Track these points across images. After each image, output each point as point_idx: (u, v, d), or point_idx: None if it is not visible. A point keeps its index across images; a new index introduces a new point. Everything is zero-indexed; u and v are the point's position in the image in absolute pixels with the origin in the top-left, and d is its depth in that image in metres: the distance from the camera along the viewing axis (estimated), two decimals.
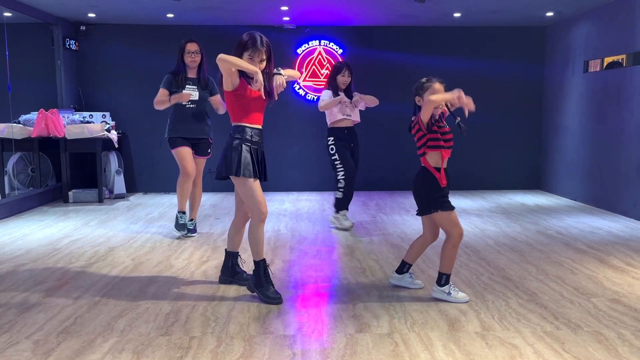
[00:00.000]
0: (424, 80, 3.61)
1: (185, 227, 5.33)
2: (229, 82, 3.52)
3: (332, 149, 5.57)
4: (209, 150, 5.40)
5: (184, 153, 5.18)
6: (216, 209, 6.91)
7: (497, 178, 8.55)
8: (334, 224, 5.80)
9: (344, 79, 5.57)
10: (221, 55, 3.43)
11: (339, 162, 5.53)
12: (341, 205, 5.68)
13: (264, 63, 3.55)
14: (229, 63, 3.43)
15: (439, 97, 3.44)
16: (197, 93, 5.15)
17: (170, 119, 5.23)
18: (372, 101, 5.69)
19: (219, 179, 3.68)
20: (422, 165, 3.60)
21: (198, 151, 5.30)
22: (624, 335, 3.02)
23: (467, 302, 3.53)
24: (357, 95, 5.62)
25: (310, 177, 8.49)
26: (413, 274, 3.88)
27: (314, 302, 3.58)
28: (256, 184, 3.56)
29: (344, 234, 5.55)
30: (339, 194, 5.61)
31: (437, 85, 3.55)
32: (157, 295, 3.70)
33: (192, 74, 5.19)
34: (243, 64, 3.44)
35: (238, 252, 3.95)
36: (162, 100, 5.08)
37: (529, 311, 3.39)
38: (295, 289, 3.83)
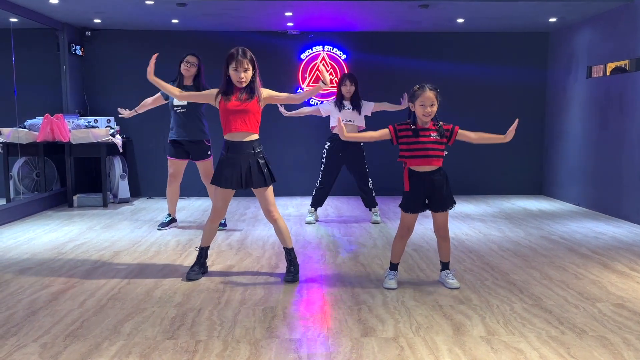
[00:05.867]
0: (416, 87, 3.71)
1: (163, 225, 5.99)
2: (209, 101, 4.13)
3: (324, 152, 6.27)
4: (209, 153, 5.72)
5: (172, 162, 5.79)
6: None
7: (500, 183, 8.56)
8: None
9: (346, 88, 6.13)
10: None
11: (321, 170, 6.30)
12: (313, 201, 6.42)
13: (249, 72, 3.92)
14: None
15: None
16: None
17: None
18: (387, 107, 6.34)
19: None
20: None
21: (195, 155, 5.70)
22: (629, 340, 3.03)
23: (394, 288, 3.82)
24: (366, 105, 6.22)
25: (314, 181, 8.45)
26: (450, 273, 3.99)
27: (319, 307, 3.60)
28: (224, 192, 4.01)
29: (347, 238, 5.56)
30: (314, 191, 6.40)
31: (428, 93, 3.63)
32: (162, 299, 3.72)
33: (188, 82, 5.56)
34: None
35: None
36: (151, 99, 5.77)
37: (533, 316, 3.40)
38: (300, 293, 3.85)
